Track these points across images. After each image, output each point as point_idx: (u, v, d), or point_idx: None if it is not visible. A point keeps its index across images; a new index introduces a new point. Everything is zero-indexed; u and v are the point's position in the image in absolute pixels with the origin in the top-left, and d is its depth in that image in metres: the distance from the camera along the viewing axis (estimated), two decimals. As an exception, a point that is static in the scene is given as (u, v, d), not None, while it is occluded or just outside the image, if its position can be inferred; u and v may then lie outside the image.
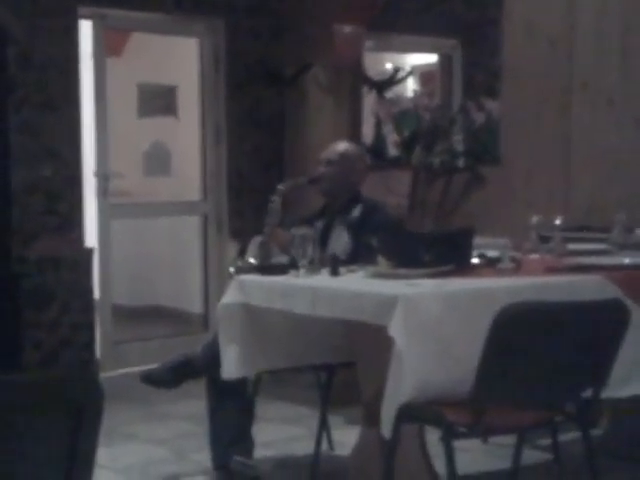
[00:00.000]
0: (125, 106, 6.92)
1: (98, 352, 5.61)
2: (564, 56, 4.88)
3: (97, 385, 1.82)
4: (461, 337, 2.97)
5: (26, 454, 1.77)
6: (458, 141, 5.00)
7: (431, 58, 7.12)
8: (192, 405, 4.51)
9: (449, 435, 2.80)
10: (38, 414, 1.78)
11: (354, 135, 5.62)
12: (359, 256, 3.65)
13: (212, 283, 6.09)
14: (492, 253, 3.54)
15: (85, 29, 5.64)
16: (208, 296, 6.10)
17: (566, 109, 4.86)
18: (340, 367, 3.71)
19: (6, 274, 5.03)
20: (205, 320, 6.13)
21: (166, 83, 7.10)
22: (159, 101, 7.19)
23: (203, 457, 3.93)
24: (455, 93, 6.85)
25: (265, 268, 3.62)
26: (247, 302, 3.40)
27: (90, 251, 5.56)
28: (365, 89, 6.18)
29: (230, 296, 3.45)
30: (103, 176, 5.70)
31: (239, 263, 3.95)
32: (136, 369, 4.74)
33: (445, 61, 6.99)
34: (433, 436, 3.14)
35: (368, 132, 6.10)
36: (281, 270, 3.45)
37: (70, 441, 1.79)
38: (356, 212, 4.05)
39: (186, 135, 6.59)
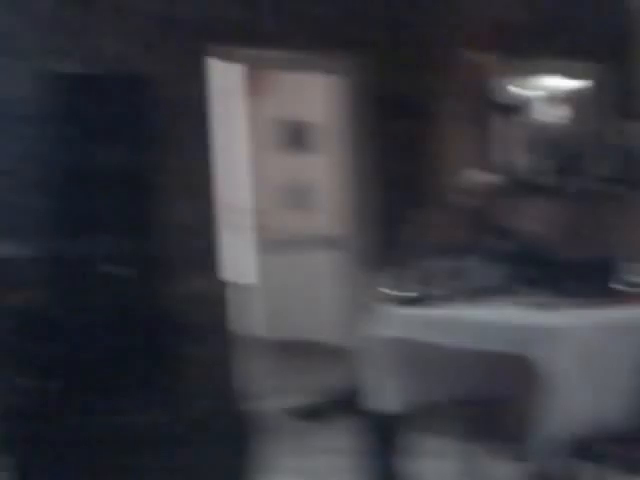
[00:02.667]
0: (265, 142, 7.05)
1: (244, 385, 5.70)
2: None
3: (252, 419, 1.86)
4: (614, 368, 2.91)
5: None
6: (603, 165, 4.90)
7: (571, 82, 7.01)
8: (343, 439, 4.52)
9: (609, 470, 2.75)
10: (196, 447, 1.84)
11: (488, 163, 5.58)
12: (509, 288, 3.62)
13: (356, 316, 6.11)
14: (640, 280, 3.45)
15: (224, 67, 5.78)
16: (350, 329, 6.13)
17: None
18: (492, 401, 3.67)
19: (152, 309, 5.18)
20: (350, 353, 6.15)
21: (305, 119, 7.22)
22: (297, 137, 7.31)
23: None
24: (599, 116, 6.72)
25: (413, 300, 3.62)
26: (398, 335, 3.42)
27: (231, 285, 5.67)
28: (499, 116, 6.14)
29: (379, 329, 3.47)
30: (244, 211, 5.81)
31: (388, 295, 3.96)
32: (284, 403, 4.79)
33: (586, 84, 6.87)
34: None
35: (504, 159, 6.05)
36: (428, 302, 3.44)
37: (225, 473, 1.84)
38: (495, 242, 4.02)
39: (325, 170, 6.67)
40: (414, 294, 3.87)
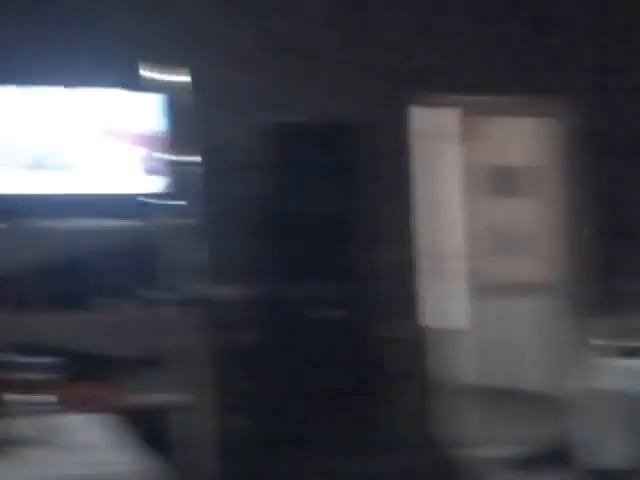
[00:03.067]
0: (473, 187, 7.02)
1: (452, 433, 5.63)
2: None
3: (460, 468, 1.84)
4: None
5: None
6: None
7: None
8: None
9: None
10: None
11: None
12: None
13: (568, 365, 5.95)
14: None
15: (433, 113, 5.81)
16: (564, 378, 5.96)
17: None
18: None
19: (362, 354, 5.21)
20: (562, 404, 5.98)
21: (514, 164, 7.14)
22: (507, 181, 7.23)
23: None
24: None
25: (635, 350, 3.49)
26: (620, 387, 3.30)
27: (429, 332, 5.63)
28: None
29: (599, 380, 3.36)
30: (453, 257, 5.80)
31: (605, 345, 3.85)
32: (494, 452, 4.70)
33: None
34: None
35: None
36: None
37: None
38: None
39: (536, 215, 6.57)
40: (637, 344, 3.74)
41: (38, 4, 4.98)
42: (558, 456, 3.80)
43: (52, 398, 4.15)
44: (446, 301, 5.82)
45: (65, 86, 4.64)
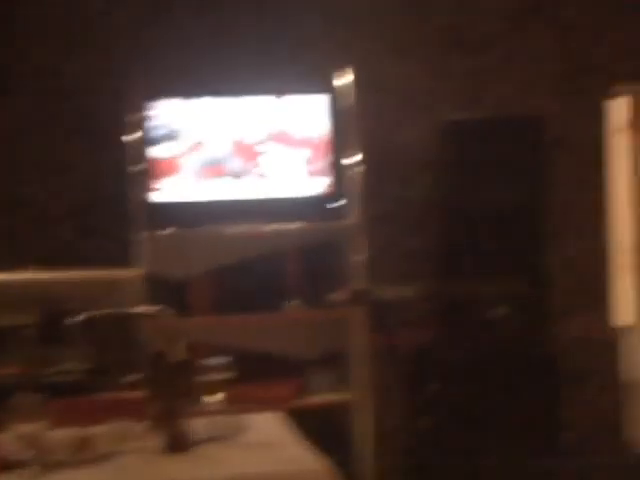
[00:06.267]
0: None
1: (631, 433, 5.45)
2: None
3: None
4: None
5: None
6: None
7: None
8: None
9: None
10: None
11: None
12: None
13: None
14: None
15: (617, 105, 5.60)
16: None
17: None
18: None
19: (542, 353, 5.09)
20: None
21: None
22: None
23: None
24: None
25: None
26: None
27: (618, 330, 5.45)
28: None
29: None
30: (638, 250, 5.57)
31: None
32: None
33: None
34: None
35: None
36: None
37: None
38: None
39: None
40: None
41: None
42: None
43: (232, 398, 4.25)
44: (632, 296, 5.59)
45: (235, 95, 4.73)
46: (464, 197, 5.08)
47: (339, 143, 4.77)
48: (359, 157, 4.77)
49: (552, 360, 5.12)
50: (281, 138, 4.77)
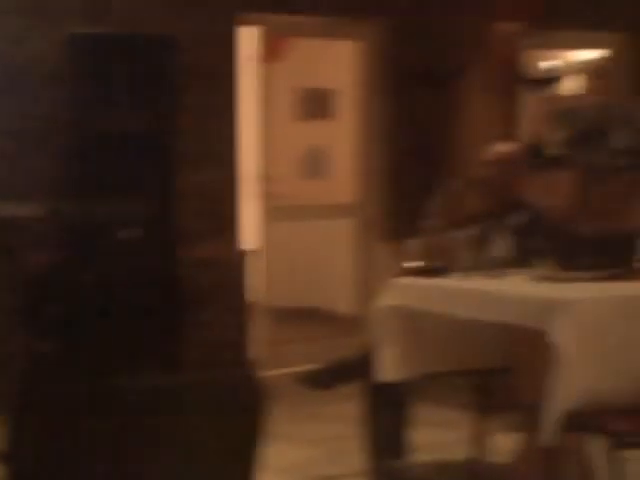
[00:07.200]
0: (282, 110, 6.99)
1: (254, 353, 5.68)
2: None
3: (261, 386, 1.82)
4: (627, 343, 2.86)
5: (195, 453, 1.79)
6: (622, 139, 4.82)
7: (598, 54, 6.86)
8: (348, 407, 4.50)
9: (616, 445, 2.70)
10: (203, 415, 1.80)
11: (512, 135, 5.51)
12: (523, 261, 3.56)
13: (367, 285, 6.08)
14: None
15: (246, 34, 5.71)
16: (362, 298, 6.09)
17: None
18: (497, 372, 3.63)
19: (169, 275, 5.16)
20: (359, 322, 6.12)
21: (322, 86, 7.15)
22: (315, 104, 7.24)
23: (359, 460, 3.92)
24: (625, 90, 6.59)
25: (426, 270, 3.57)
26: (404, 305, 3.38)
27: (245, 253, 5.64)
28: (525, 88, 6.05)
29: (387, 299, 3.43)
30: (264, 179, 5.77)
31: (401, 265, 3.90)
32: (291, 370, 4.77)
33: (613, 56, 6.73)
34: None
35: (527, 132, 5.98)
36: (442, 273, 3.41)
37: (234, 441, 1.80)
38: (520, 216, 3.95)
39: (342, 138, 6.61)
40: (425, 264, 3.82)
41: None
42: (352, 372, 3.87)
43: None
44: (258, 223, 5.81)
45: None
46: (93, 115, 4.97)
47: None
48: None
49: (181, 281, 5.20)
50: None
